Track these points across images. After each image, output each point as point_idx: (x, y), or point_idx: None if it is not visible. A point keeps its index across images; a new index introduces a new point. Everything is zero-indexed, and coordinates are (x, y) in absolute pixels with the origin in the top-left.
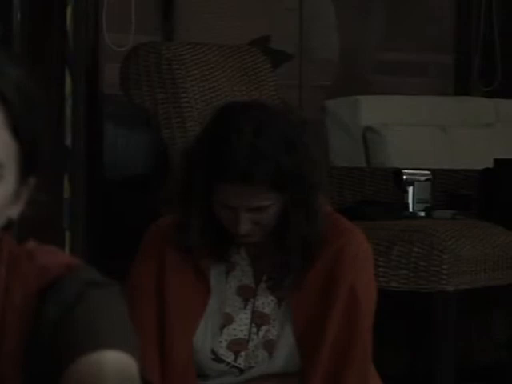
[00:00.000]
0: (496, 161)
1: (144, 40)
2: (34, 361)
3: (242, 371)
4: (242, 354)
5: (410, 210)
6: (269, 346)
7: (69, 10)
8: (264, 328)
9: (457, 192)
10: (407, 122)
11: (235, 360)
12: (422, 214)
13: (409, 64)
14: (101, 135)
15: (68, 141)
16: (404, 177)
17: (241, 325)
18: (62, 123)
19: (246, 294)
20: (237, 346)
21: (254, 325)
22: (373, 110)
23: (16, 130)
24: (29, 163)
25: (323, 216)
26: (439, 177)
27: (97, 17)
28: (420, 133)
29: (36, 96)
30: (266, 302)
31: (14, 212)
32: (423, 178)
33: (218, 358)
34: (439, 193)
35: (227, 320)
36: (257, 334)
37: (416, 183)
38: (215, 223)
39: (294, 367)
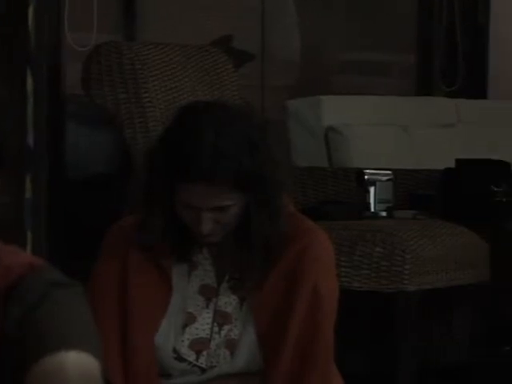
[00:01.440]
0: (457, 161)
1: (106, 40)
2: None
3: (203, 370)
4: (204, 353)
5: (372, 210)
6: (231, 345)
7: (31, 10)
8: (226, 327)
9: (418, 192)
10: (369, 122)
11: (197, 359)
12: (384, 214)
13: (371, 64)
14: (63, 135)
15: (30, 141)
16: (366, 177)
17: (203, 324)
18: (23, 123)
19: (208, 294)
20: (199, 346)
21: (216, 324)
22: (335, 110)
23: None
24: None
25: (286, 216)
26: (401, 177)
27: (59, 16)
28: (382, 133)
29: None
30: (228, 302)
31: None
32: (385, 178)
33: (180, 358)
34: (401, 193)
35: (189, 319)
36: (219, 333)
37: (378, 183)
38: (177, 223)
39: (256, 367)
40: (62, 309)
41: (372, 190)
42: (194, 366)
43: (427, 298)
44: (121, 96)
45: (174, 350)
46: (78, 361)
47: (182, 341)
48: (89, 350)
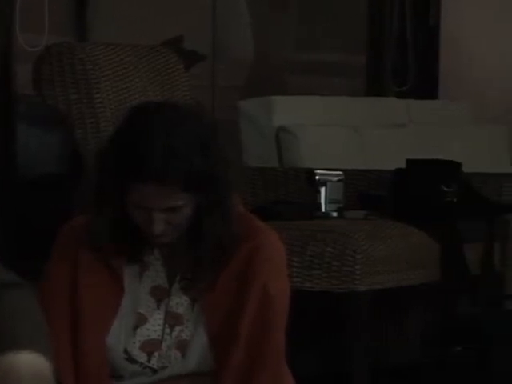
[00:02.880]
0: (408, 161)
1: (57, 40)
2: None
3: (155, 371)
4: (156, 354)
5: (323, 210)
6: (182, 346)
7: None
8: (177, 328)
9: (369, 192)
10: (320, 123)
11: (148, 360)
12: (335, 214)
13: (322, 64)
14: (14, 135)
15: None
16: (317, 177)
17: (154, 325)
18: None
19: (160, 295)
20: (150, 347)
21: (167, 325)
22: (286, 110)
23: None
24: None
25: (237, 216)
26: (352, 177)
27: (10, 17)
28: (333, 133)
29: None
30: (179, 303)
31: None
32: (336, 179)
33: (131, 359)
34: (352, 193)
35: (140, 320)
36: (170, 334)
37: (328, 183)
38: (128, 223)
39: (207, 367)
40: (14, 310)
41: (323, 190)
42: (146, 367)
43: (379, 298)
44: (72, 96)
45: (126, 351)
46: (29, 361)
47: (134, 342)
48: (40, 350)
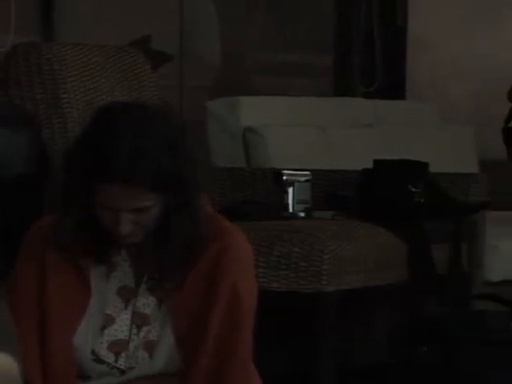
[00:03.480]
0: (375, 161)
1: (24, 40)
2: None
3: (122, 372)
4: (123, 354)
5: (290, 210)
6: (149, 346)
7: None
8: (144, 329)
9: (336, 192)
10: (287, 123)
11: (116, 361)
12: (302, 214)
13: (289, 65)
14: None
15: None
16: (284, 177)
17: (121, 325)
18: None
19: (127, 295)
20: (117, 347)
21: (134, 326)
22: (253, 110)
23: None
24: None
25: (205, 216)
26: (319, 177)
27: None
28: (300, 133)
29: None
30: (146, 303)
31: None
32: (303, 179)
33: (98, 359)
34: (319, 193)
35: (108, 321)
36: (137, 334)
37: (296, 184)
38: (96, 223)
39: (175, 368)
40: None
41: (290, 190)
42: (113, 367)
43: (346, 299)
44: (39, 96)
45: (93, 352)
46: None
47: (101, 342)
48: (7, 350)
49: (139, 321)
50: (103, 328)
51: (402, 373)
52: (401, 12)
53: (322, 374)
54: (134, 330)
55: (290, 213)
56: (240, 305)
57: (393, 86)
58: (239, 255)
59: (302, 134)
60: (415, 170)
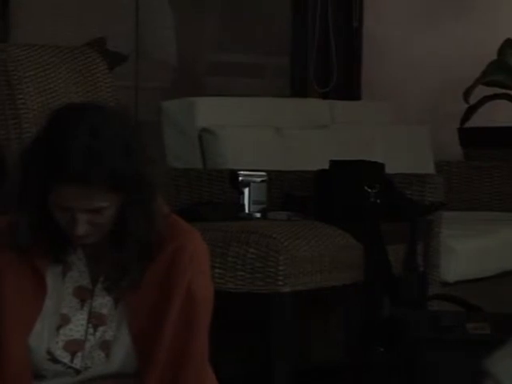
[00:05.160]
0: (331, 162)
1: None
2: None
3: (78, 372)
4: (79, 354)
5: (246, 211)
6: (105, 346)
7: None
8: (101, 329)
9: (293, 193)
10: (243, 124)
11: (71, 361)
12: (258, 215)
13: (245, 65)
14: None
15: None
16: (240, 178)
17: (77, 325)
18: None
19: (83, 295)
20: (73, 347)
21: (90, 325)
22: (209, 111)
23: None
24: None
25: (161, 217)
26: (275, 178)
27: None
28: (256, 134)
29: None
30: (103, 303)
31: None
32: (259, 180)
33: (54, 359)
34: (275, 194)
35: (64, 321)
36: (93, 334)
37: (252, 184)
38: (52, 223)
39: (132, 368)
40: None
41: (246, 191)
42: (69, 367)
43: (303, 299)
44: None
45: (49, 352)
46: None
47: (57, 342)
48: None
49: (95, 321)
50: (59, 328)
51: (359, 373)
52: (356, 12)
53: (277, 375)
54: (90, 330)
55: (246, 213)
56: (196, 305)
57: (349, 87)
58: (195, 255)
59: (258, 135)
60: (371, 170)
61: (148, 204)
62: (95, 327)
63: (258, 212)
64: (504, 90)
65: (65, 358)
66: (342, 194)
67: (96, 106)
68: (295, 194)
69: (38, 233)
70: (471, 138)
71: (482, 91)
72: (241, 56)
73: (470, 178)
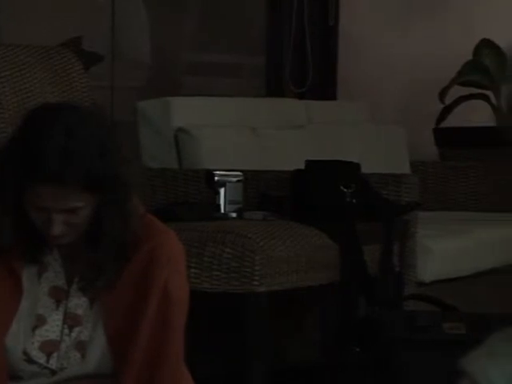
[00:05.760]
0: (307, 162)
1: None
2: None
3: (54, 372)
4: (54, 355)
5: (222, 211)
6: (81, 347)
7: None
8: (76, 329)
9: (268, 193)
10: (219, 124)
11: (47, 361)
12: (234, 215)
13: (222, 65)
14: None
15: None
16: (216, 178)
17: (53, 326)
18: None
19: (59, 296)
20: (49, 347)
21: (66, 326)
22: (184, 111)
23: None
24: None
25: (137, 217)
26: (251, 178)
27: None
28: (232, 134)
29: None
30: (78, 304)
31: None
32: (235, 180)
33: (29, 359)
34: (251, 194)
35: (39, 321)
36: (69, 335)
37: (228, 184)
38: (28, 224)
39: (108, 369)
40: None
41: (222, 191)
42: (45, 368)
43: (279, 299)
44: None
45: (24, 352)
46: None
47: (33, 343)
48: None
49: (71, 321)
50: (35, 328)
51: (334, 373)
52: (332, 12)
53: (253, 375)
54: (66, 331)
55: (222, 213)
56: (172, 305)
57: (324, 87)
58: (171, 255)
59: (234, 135)
60: (347, 170)
61: (123, 204)
62: (70, 328)
63: (233, 212)
64: (480, 90)
65: (40, 358)
66: (318, 194)
67: (71, 106)
68: (271, 193)
69: (14, 233)
70: (447, 138)
71: (457, 91)
72: (217, 56)
73: (445, 178)
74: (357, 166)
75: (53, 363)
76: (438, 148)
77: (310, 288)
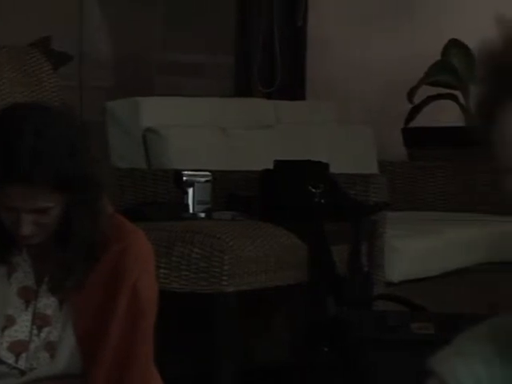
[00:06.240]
0: (276, 162)
1: None
2: None
3: (23, 373)
4: (23, 355)
5: (191, 211)
6: (50, 347)
7: None
8: (45, 330)
9: (237, 193)
10: (188, 124)
11: (16, 361)
12: (203, 215)
13: (191, 65)
14: None
15: None
16: (184, 178)
17: (22, 326)
18: None
19: (28, 296)
20: (18, 348)
21: (35, 326)
22: (153, 111)
23: None
24: None
25: (106, 217)
26: (219, 178)
27: None
28: (201, 134)
29: None
30: (47, 304)
31: None
32: (203, 180)
33: None
34: (220, 194)
35: (8, 322)
36: (38, 335)
37: (196, 184)
38: None
39: (77, 369)
40: None
41: (190, 191)
42: (14, 368)
43: (248, 299)
44: None
45: None
46: None
47: (1, 343)
48: None
49: (40, 321)
50: (4, 329)
51: (304, 373)
52: (300, 12)
53: (222, 375)
54: (35, 331)
55: (191, 213)
56: (141, 305)
57: (293, 87)
58: (140, 255)
59: (203, 135)
60: (315, 170)
61: (93, 204)
62: (40, 328)
63: (202, 212)
64: (448, 90)
65: (9, 358)
66: (287, 194)
67: (41, 106)
68: (240, 193)
69: None
70: (415, 138)
71: (426, 91)
72: (186, 56)
73: (413, 178)
74: (325, 166)
75: (22, 363)
76: (407, 148)
77: (278, 288)
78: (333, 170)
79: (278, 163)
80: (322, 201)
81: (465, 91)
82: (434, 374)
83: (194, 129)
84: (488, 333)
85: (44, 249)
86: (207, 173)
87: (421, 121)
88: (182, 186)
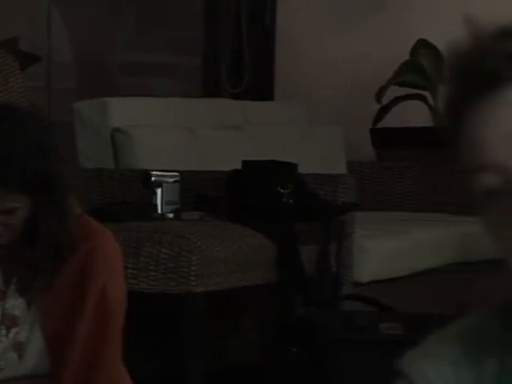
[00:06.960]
0: (244, 162)
1: None
2: None
3: None
4: None
5: (159, 211)
6: (18, 348)
7: None
8: (14, 330)
9: (206, 193)
10: (156, 124)
11: None
12: (171, 215)
13: (158, 65)
14: None
15: None
16: (152, 178)
17: None
18: None
19: None
20: None
21: (3, 327)
22: (121, 111)
23: None
24: None
25: (73, 217)
26: (188, 178)
27: None
28: (169, 134)
29: None
30: (15, 304)
31: None
32: (171, 180)
33: None
34: (188, 194)
35: None
36: (6, 336)
37: (164, 185)
38: None
39: (45, 369)
40: None
41: (159, 191)
42: None
43: (216, 299)
44: None
45: None
46: None
47: None
48: None
49: (8, 322)
50: None
51: (272, 373)
52: (269, 12)
53: (191, 375)
54: (3, 332)
55: (159, 214)
56: (109, 306)
57: (261, 87)
58: (108, 256)
59: (171, 135)
60: (284, 170)
61: (60, 204)
62: (8, 328)
63: (170, 212)
64: (416, 91)
65: None
66: (255, 194)
67: (8, 107)
68: (208, 194)
69: None
70: (383, 138)
71: (394, 92)
72: (153, 55)
73: (382, 178)
74: (294, 167)
75: None
76: (375, 148)
77: (247, 288)
78: (301, 170)
79: (246, 163)
80: (291, 201)
81: (433, 91)
82: (403, 374)
83: (162, 129)
84: (456, 334)
85: (11, 249)
86: (175, 173)
87: (389, 121)
88: (151, 187)
